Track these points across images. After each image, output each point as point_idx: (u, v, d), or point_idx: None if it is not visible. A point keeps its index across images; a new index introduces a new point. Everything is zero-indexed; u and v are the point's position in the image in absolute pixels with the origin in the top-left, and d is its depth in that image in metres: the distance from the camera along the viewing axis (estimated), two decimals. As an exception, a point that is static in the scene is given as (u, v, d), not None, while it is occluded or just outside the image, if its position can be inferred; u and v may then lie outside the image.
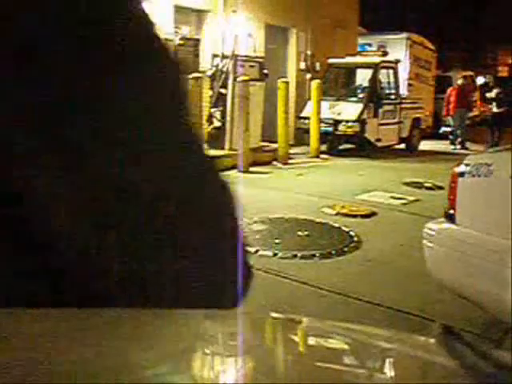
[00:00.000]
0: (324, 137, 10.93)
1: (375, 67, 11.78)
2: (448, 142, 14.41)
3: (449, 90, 14.31)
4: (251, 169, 8.80)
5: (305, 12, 12.42)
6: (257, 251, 4.82)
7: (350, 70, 12.54)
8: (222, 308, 0.69)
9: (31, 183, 0.49)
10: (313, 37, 12.98)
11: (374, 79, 11.74)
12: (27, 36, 0.45)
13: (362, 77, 12.18)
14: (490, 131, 14.58)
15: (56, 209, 0.50)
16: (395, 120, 11.94)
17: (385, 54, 12.55)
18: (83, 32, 0.47)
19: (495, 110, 14.51)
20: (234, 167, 8.96)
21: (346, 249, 5.04)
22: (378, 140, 11.48)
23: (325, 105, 10.84)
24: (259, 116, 9.58)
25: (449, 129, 14.65)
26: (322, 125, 10.80)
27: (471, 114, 15.16)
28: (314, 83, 10.81)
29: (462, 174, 3.10)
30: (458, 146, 13.90)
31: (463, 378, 0.70)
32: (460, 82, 14.24)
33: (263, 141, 9.60)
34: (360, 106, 11.24)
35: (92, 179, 0.50)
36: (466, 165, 3.10)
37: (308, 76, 12.70)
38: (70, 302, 0.60)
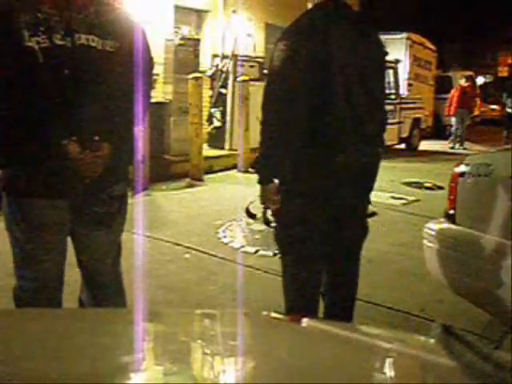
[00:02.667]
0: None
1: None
2: (447, 141, 14.39)
3: (452, 91, 14.35)
4: (251, 169, 8.80)
5: (305, 12, 12.42)
6: (257, 251, 4.82)
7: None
8: None
9: None
10: (313, 37, 12.97)
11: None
12: None
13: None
14: (506, 131, 14.59)
15: None
16: (395, 120, 11.92)
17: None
18: None
19: (510, 110, 14.59)
20: (234, 167, 8.96)
21: (345, 249, 5.04)
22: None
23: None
24: (259, 116, 9.56)
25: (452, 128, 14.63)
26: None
27: (472, 115, 15.10)
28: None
29: (462, 174, 3.10)
30: (457, 146, 13.88)
31: (463, 378, 0.70)
32: (463, 82, 14.21)
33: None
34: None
35: None
36: (466, 165, 3.10)
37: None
38: None
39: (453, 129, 14.37)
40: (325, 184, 2.49)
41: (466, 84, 14.24)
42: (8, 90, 2.08)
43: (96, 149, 2.14)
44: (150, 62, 2.38)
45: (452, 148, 13.75)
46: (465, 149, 13.37)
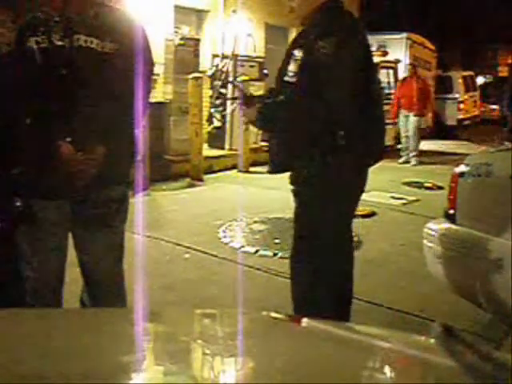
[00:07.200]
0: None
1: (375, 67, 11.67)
2: (449, 142, 14.32)
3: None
4: (251, 169, 8.80)
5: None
6: (257, 251, 4.82)
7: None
8: None
9: None
10: (313, 37, 12.95)
11: (373, 79, 11.66)
12: None
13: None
14: None
15: None
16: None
17: (385, 53, 12.51)
18: None
19: None
20: (234, 167, 8.96)
21: (346, 249, 5.03)
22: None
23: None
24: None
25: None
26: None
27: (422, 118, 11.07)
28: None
29: (462, 174, 3.10)
30: (413, 162, 10.55)
31: (463, 378, 0.70)
32: (407, 74, 11.25)
33: (263, 141, 9.59)
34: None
35: None
36: (466, 165, 3.10)
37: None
38: None
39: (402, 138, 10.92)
40: (361, 182, 2.71)
41: (409, 78, 10.75)
42: (7, 90, 2.08)
43: (90, 151, 2.13)
44: (150, 64, 2.38)
45: (405, 162, 10.65)
46: (408, 162, 10.53)
